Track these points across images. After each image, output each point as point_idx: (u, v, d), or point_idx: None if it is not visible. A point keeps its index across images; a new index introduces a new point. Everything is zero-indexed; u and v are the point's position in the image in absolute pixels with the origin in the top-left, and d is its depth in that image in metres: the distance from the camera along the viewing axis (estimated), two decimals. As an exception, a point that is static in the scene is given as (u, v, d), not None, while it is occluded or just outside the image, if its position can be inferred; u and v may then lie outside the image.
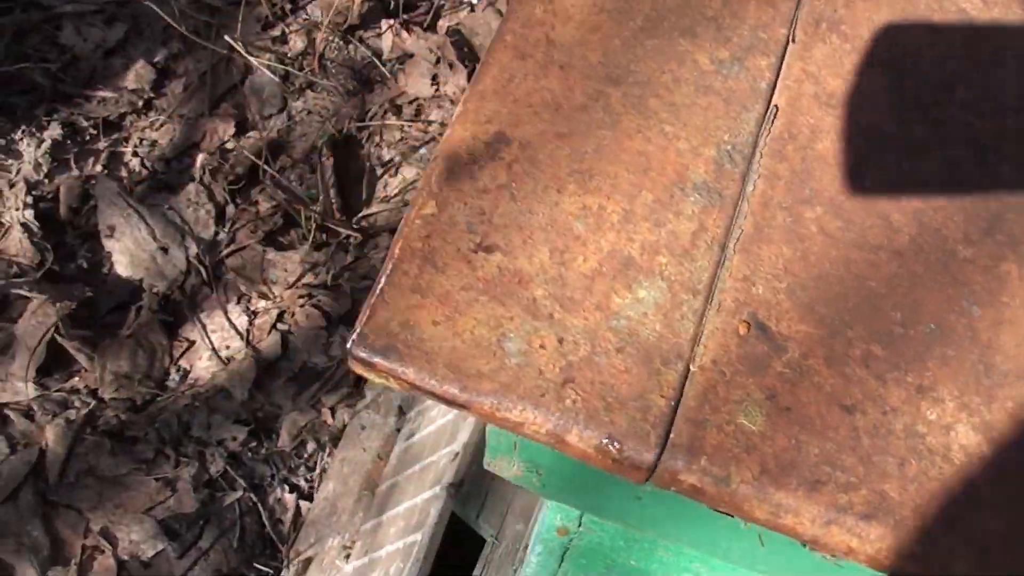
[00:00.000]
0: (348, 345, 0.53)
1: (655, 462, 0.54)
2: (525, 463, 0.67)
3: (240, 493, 1.70)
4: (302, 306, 1.83)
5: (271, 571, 1.66)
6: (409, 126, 2.00)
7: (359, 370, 0.54)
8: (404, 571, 1.40)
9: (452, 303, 0.55)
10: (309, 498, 1.71)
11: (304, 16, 2.08)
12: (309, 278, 1.85)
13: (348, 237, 1.89)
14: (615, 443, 0.54)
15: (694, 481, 0.54)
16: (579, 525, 0.80)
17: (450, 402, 0.54)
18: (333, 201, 1.89)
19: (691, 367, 0.56)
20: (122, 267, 1.86)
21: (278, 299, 1.84)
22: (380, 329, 0.54)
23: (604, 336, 0.56)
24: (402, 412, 1.73)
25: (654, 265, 0.58)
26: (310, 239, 1.87)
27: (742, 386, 0.56)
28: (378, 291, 0.55)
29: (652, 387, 0.55)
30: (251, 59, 1.97)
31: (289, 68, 2.02)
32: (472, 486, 1.42)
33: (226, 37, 1.93)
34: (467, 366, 0.54)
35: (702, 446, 0.54)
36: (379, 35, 2.06)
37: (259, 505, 1.70)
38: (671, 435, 0.54)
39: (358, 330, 0.54)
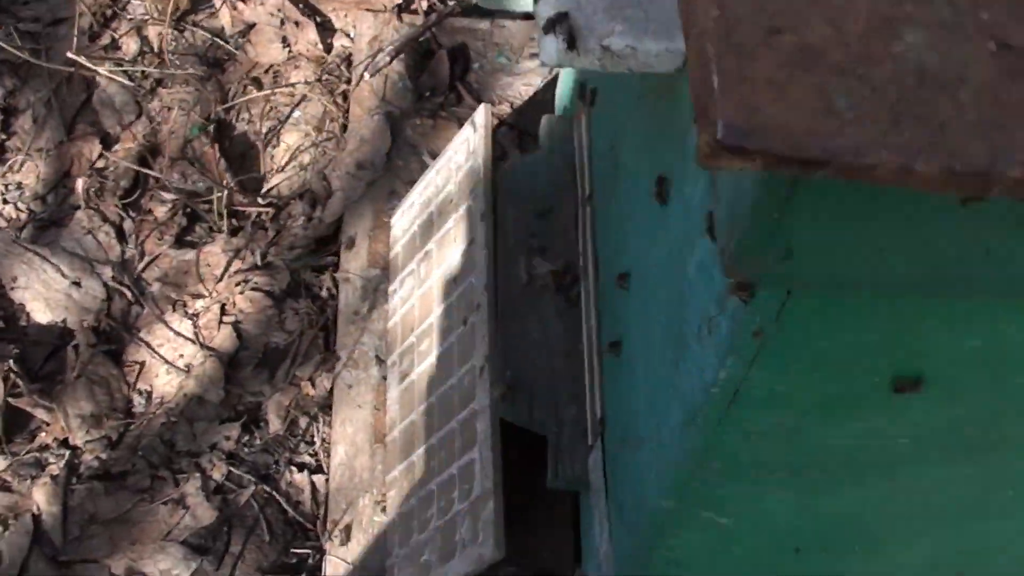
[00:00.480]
0: (717, 135, 0.57)
1: (987, 168, 0.61)
2: (782, 247, 0.73)
3: (252, 488, 1.68)
4: (241, 293, 1.80)
5: (310, 551, 1.65)
6: (274, 94, 1.98)
7: (724, 161, 0.57)
8: (474, 487, 1.43)
9: (777, 83, 0.60)
10: (320, 471, 1.70)
11: (128, 16, 2.01)
12: (237, 264, 1.82)
13: (260, 215, 1.86)
14: (956, 162, 0.60)
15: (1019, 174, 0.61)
16: (776, 320, 0.86)
17: (814, 164, 0.59)
18: (231, 185, 1.86)
19: (973, 86, 0.63)
20: (40, 314, 1.77)
21: (214, 294, 1.80)
22: (735, 115, 0.58)
23: (902, 78, 0.62)
24: (380, 361, 1.74)
25: (907, 14, 0.64)
26: (224, 227, 1.83)
27: (1016, 92, 0.64)
28: (715, 87, 0.59)
29: (957, 108, 0.62)
30: (97, 70, 1.89)
31: (129, 69, 1.95)
32: (514, 393, 1.45)
33: (69, 54, 1.85)
34: (818, 129, 0.59)
35: (1014, 139, 0.61)
36: (214, 14, 2.01)
37: (274, 494, 1.68)
38: (990, 142, 0.61)
39: (721, 121, 0.57)
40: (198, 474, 1.67)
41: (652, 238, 1.15)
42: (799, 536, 1.19)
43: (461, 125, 1.98)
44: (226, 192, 1.81)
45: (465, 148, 1.67)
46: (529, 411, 1.44)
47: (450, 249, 1.63)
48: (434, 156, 1.91)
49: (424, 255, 1.70)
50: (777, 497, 1.12)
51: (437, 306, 1.63)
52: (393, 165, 1.90)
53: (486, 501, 1.40)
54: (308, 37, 2.00)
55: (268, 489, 1.68)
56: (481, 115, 1.66)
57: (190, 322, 1.78)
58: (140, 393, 1.74)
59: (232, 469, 1.68)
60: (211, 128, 1.93)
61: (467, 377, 1.51)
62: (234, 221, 1.85)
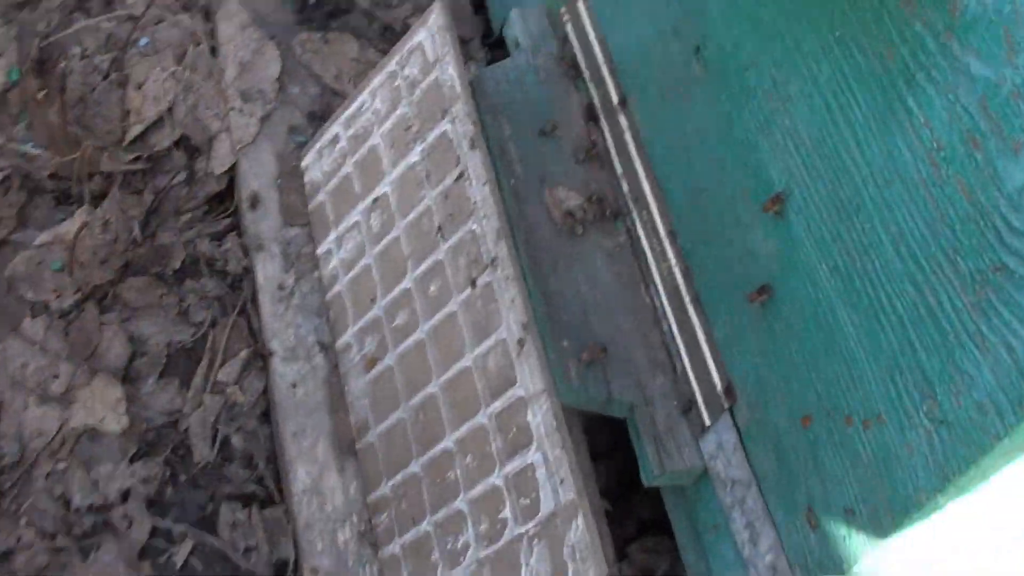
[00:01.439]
0: None
1: None
2: None
3: (188, 544, 1.25)
4: (122, 280, 1.34)
5: (282, 612, 1.25)
6: (109, 21, 1.50)
7: None
8: (540, 502, 1.06)
9: None
10: (271, 502, 1.29)
11: None
12: (109, 244, 1.36)
13: (127, 175, 1.40)
14: None
15: None
16: None
17: None
18: (87, 142, 1.39)
19: None
20: None
21: (84, 287, 1.34)
22: None
23: None
24: (324, 346, 1.33)
25: None
26: (84, 196, 1.36)
27: None
28: None
29: None
30: None
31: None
32: (580, 368, 1.09)
33: None
34: None
35: None
36: (15, -84, 1.51)
37: (216, 542, 1.25)
38: None
39: None
40: (111, 536, 1.23)
41: (852, 131, 0.82)
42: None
43: (358, 38, 1.58)
44: (87, 150, 1.33)
45: (420, 58, 1.28)
46: (606, 394, 1.08)
47: (421, 191, 1.24)
48: (336, 78, 1.50)
49: (374, 203, 1.30)
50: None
51: (412, 266, 1.24)
52: (287, 94, 1.47)
53: (569, 519, 1.04)
54: (144, -61, 1.53)
55: (209, 539, 1.25)
56: (440, 14, 1.27)
57: (62, 323, 1.31)
58: (4, 437, 1.26)
59: (156, 522, 1.24)
60: (32, 70, 1.44)
61: (492, 356, 1.14)
62: (91, 186, 1.39)
